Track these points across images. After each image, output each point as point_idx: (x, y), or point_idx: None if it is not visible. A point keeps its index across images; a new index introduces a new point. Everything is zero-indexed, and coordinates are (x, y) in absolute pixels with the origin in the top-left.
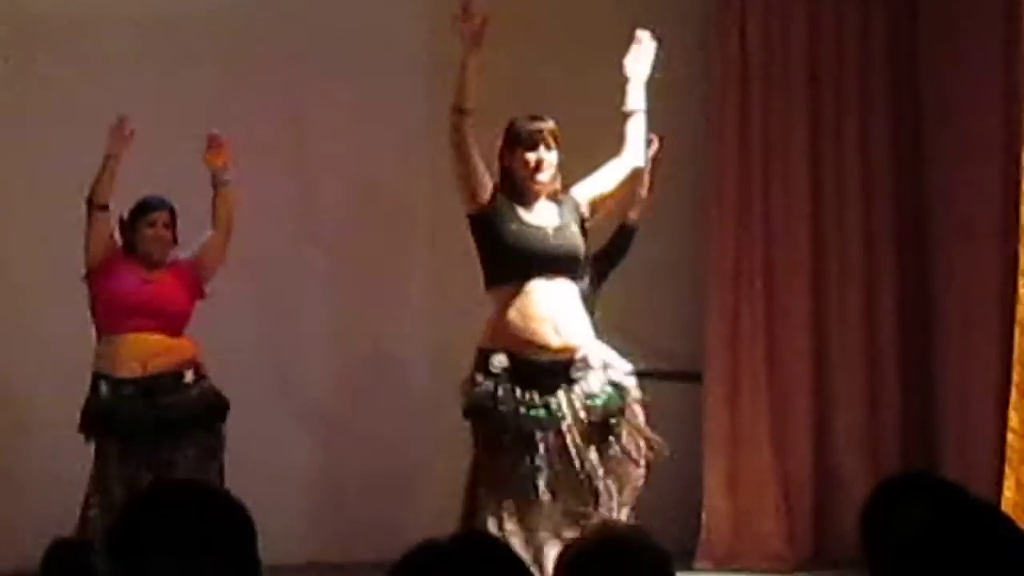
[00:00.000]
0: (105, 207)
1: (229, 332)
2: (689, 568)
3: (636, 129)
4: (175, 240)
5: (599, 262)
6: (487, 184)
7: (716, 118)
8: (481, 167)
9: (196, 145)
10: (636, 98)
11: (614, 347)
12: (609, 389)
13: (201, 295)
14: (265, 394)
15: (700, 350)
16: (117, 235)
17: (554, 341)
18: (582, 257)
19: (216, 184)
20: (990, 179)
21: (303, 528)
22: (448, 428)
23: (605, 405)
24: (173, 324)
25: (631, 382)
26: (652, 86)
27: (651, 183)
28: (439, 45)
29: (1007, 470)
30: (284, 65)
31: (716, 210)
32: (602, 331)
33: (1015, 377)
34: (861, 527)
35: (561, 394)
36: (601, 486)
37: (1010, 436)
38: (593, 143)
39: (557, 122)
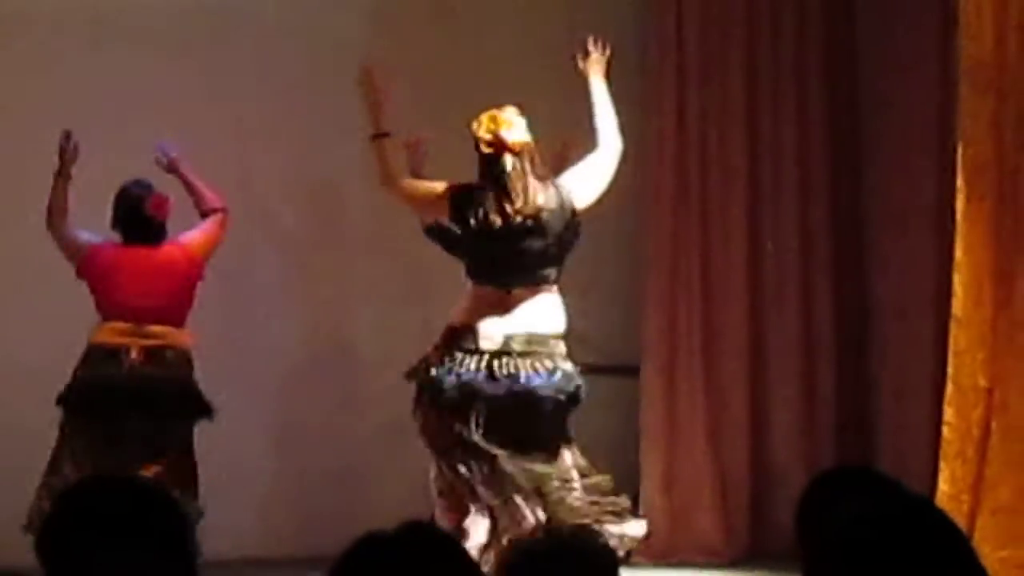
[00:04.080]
0: (63, 218)
1: None
2: (626, 563)
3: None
4: (164, 224)
5: None
6: None
7: (653, 113)
8: None
9: (138, 141)
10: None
11: None
12: None
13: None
14: (219, 389)
15: (636, 344)
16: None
17: None
18: None
19: (173, 171)
20: (925, 173)
21: (258, 522)
22: (402, 420)
23: None
24: (181, 310)
25: None
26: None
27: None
28: (382, 43)
29: (942, 464)
30: (225, 58)
31: (653, 203)
32: None
33: (951, 371)
34: (796, 521)
35: None
36: None
37: (945, 430)
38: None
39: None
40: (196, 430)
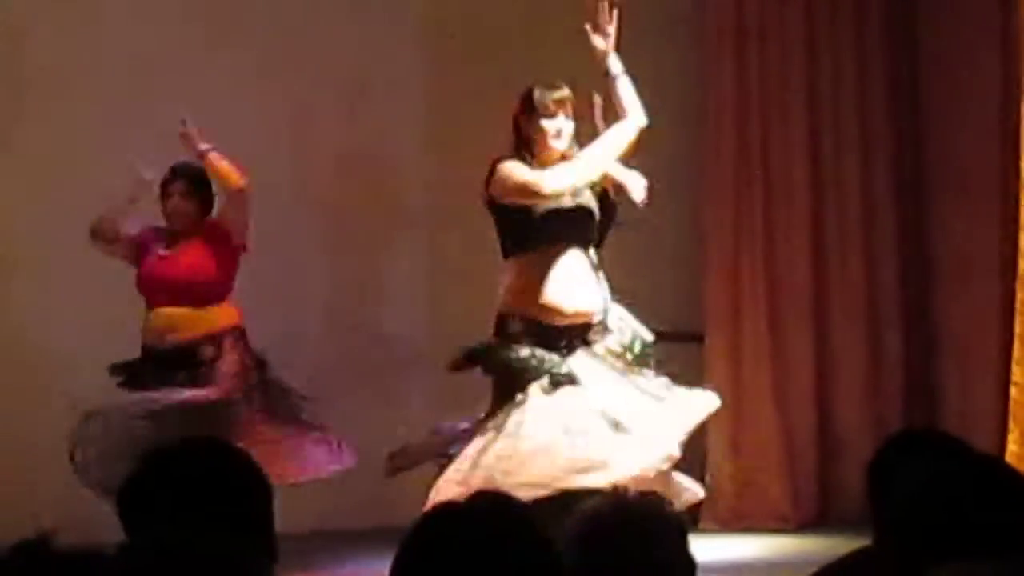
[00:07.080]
0: (111, 241)
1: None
2: (694, 529)
3: (627, 90)
4: (202, 205)
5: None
6: None
7: (713, 77)
8: None
9: (184, 108)
10: (616, 62)
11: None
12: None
13: (244, 249)
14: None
15: (701, 311)
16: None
17: (570, 307)
18: (596, 223)
19: (198, 156)
20: (988, 132)
21: (308, 497)
22: (445, 395)
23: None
24: (196, 295)
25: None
26: (646, 47)
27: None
28: (437, 14)
29: (1011, 424)
30: (279, 33)
31: (714, 168)
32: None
33: (1018, 330)
34: (867, 484)
35: (580, 354)
36: None
37: (1013, 390)
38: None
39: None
40: None
